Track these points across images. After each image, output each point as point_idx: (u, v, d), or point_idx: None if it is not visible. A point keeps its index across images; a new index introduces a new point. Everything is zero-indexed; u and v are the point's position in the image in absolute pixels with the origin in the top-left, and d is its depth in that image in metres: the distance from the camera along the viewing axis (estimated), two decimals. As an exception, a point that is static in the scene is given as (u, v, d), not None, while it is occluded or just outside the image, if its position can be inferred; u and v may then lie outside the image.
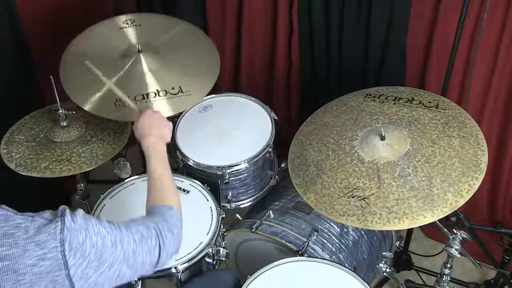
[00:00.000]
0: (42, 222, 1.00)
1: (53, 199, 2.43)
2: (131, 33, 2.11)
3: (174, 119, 2.15)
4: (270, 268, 1.62)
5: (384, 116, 1.78)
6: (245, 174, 2.02)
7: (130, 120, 1.92)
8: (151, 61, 1.98)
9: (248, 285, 1.57)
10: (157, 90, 1.90)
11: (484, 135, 1.65)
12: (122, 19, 2.15)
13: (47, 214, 1.04)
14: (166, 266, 1.65)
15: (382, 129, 1.67)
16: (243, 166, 1.98)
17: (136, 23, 2.14)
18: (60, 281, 1.00)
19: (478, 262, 1.81)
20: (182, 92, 1.90)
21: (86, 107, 1.85)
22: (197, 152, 2.02)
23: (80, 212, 1.06)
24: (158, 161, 1.42)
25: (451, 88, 2.11)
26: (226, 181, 1.97)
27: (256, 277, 1.60)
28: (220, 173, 1.96)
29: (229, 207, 2.09)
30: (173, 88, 1.91)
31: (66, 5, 2.53)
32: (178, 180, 1.95)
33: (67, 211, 1.04)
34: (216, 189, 1.98)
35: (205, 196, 1.89)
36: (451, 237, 1.66)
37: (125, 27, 2.12)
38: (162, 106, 1.85)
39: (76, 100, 1.88)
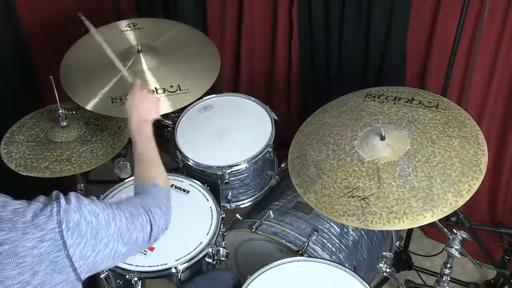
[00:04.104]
0: (38, 206, 1.03)
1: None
2: (132, 36, 2.13)
3: (174, 119, 2.15)
4: (270, 268, 1.62)
5: (384, 116, 1.77)
6: (245, 174, 2.02)
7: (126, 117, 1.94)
8: (150, 60, 1.99)
9: (248, 285, 1.58)
10: (155, 88, 1.91)
11: (484, 135, 1.64)
12: (124, 23, 2.18)
13: (42, 198, 1.06)
14: (166, 266, 1.65)
15: (382, 129, 1.67)
16: (243, 166, 1.98)
17: (138, 27, 2.16)
18: (61, 262, 1.02)
19: (478, 262, 1.82)
20: (180, 90, 1.91)
21: (87, 107, 1.86)
22: (197, 152, 2.02)
23: (72, 194, 1.09)
24: (142, 142, 1.41)
25: (451, 88, 2.11)
26: (226, 181, 1.97)
27: (256, 277, 1.60)
28: (220, 173, 1.96)
29: (229, 207, 2.09)
30: (171, 86, 1.92)
31: (66, 5, 2.53)
32: (178, 180, 1.95)
33: (61, 194, 1.07)
34: (216, 189, 1.98)
35: (205, 196, 1.89)
36: (451, 237, 1.66)
37: (127, 30, 2.15)
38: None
39: (76, 100, 1.88)
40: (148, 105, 1.47)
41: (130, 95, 1.49)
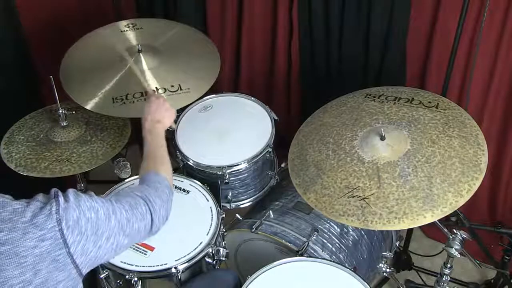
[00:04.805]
0: (37, 205, 1.03)
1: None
2: (131, 36, 2.13)
3: (174, 119, 2.15)
4: (270, 268, 1.62)
5: (384, 116, 1.78)
6: (245, 174, 2.02)
7: (129, 116, 1.94)
8: (150, 60, 1.99)
9: (248, 285, 1.58)
10: (156, 88, 1.91)
11: (484, 135, 1.65)
12: (123, 23, 2.19)
13: (40, 197, 1.07)
14: (166, 266, 1.65)
15: (382, 129, 1.67)
16: (243, 166, 1.98)
17: (137, 27, 2.16)
18: (62, 259, 1.02)
19: (478, 262, 1.82)
20: (181, 89, 1.92)
21: (87, 106, 1.86)
22: (197, 152, 2.02)
23: (70, 191, 1.10)
24: (153, 139, 1.50)
25: (451, 88, 2.11)
26: (226, 181, 1.97)
27: (256, 277, 1.60)
28: (220, 173, 1.96)
29: (229, 207, 2.09)
30: (172, 86, 1.92)
31: (66, 5, 2.53)
32: (178, 180, 1.95)
33: (60, 192, 1.08)
34: (216, 189, 1.98)
35: (205, 196, 1.89)
36: (451, 237, 1.66)
37: (126, 30, 2.15)
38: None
39: (76, 100, 1.88)
40: (163, 111, 1.59)
41: (147, 101, 1.61)
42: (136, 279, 1.64)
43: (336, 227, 1.93)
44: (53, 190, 1.08)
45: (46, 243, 1.00)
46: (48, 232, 1.01)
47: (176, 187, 1.92)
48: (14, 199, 1.05)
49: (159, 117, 1.57)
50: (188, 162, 2.00)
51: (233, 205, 2.09)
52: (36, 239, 0.99)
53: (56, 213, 1.02)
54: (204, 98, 2.19)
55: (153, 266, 1.66)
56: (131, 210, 1.19)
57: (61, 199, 1.05)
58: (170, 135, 2.13)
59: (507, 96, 2.11)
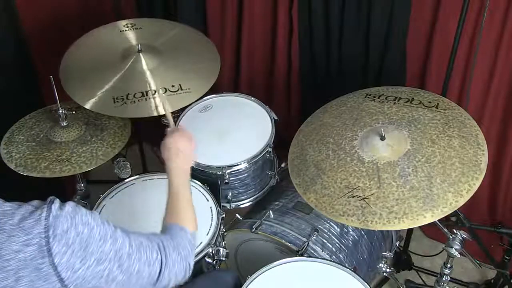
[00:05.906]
0: (28, 209, 1.01)
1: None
2: (131, 35, 2.13)
3: (174, 119, 2.15)
4: (270, 268, 1.62)
5: (384, 116, 1.78)
6: (245, 174, 2.02)
7: (130, 116, 1.94)
8: (150, 60, 1.99)
9: (248, 285, 1.58)
10: (157, 88, 1.91)
11: (484, 135, 1.65)
12: (122, 23, 2.19)
13: (35, 202, 1.04)
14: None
15: (382, 129, 1.67)
16: (243, 166, 1.98)
17: (136, 27, 2.16)
18: (45, 269, 0.98)
19: (478, 262, 1.82)
20: (182, 89, 1.92)
21: (86, 106, 1.86)
22: (197, 152, 2.00)
23: (71, 203, 1.05)
24: (179, 181, 1.40)
25: (451, 88, 2.11)
26: (226, 181, 1.97)
27: (256, 277, 1.60)
28: (220, 173, 1.96)
29: (229, 207, 2.09)
30: (173, 86, 1.92)
31: (66, 5, 2.53)
32: (178, 180, 1.94)
33: (57, 200, 1.04)
34: (216, 189, 1.98)
35: (205, 196, 1.89)
36: (451, 237, 1.66)
37: (126, 30, 2.15)
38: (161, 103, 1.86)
39: (77, 100, 1.88)
40: (189, 153, 1.47)
41: (172, 137, 1.46)
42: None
43: (336, 227, 1.93)
44: (50, 197, 1.05)
45: (30, 249, 0.97)
46: (34, 237, 0.97)
47: (176, 187, 1.91)
48: (5, 201, 1.02)
49: (186, 162, 1.46)
50: (188, 162, 2.00)
51: (233, 205, 2.09)
52: (21, 244, 0.96)
53: (45, 219, 0.99)
54: (204, 98, 2.18)
55: (153, 266, 1.66)
56: (137, 249, 1.11)
57: (54, 206, 1.02)
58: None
59: (507, 96, 2.11)
